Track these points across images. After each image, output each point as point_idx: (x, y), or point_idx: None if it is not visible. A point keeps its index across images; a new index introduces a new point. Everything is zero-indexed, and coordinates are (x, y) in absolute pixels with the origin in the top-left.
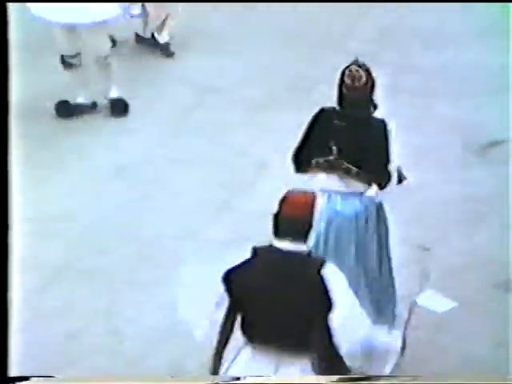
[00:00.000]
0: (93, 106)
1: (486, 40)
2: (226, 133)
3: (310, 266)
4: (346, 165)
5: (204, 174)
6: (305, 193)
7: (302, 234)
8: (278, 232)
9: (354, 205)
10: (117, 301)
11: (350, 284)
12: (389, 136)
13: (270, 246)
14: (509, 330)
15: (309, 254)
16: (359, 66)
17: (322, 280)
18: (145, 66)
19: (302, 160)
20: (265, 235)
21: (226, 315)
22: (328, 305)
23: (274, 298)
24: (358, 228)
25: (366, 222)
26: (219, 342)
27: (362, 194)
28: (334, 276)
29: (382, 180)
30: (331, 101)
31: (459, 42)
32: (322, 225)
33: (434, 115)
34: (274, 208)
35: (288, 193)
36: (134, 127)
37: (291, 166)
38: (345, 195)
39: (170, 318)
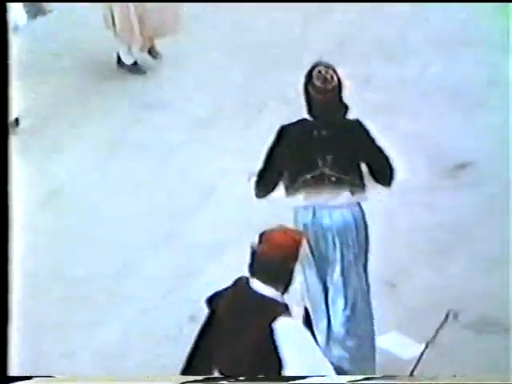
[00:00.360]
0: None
1: (455, 52)
2: (167, 153)
3: (265, 315)
4: (336, 175)
5: (144, 200)
6: (290, 233)
7: (277, 279)
8: (251, 269)
9: (343, 216)
10: (46, 347)
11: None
12: (371, 134)
13: (247, 279)
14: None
15: (280, 302)
16: (327, 67)
17: (271, 334)
18: (79, 80)
19: (268, 183)
20: (212, 271)
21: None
22: (277, 362)
23: (233, 337)
24: (349, 239)
25: (357, 232)
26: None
27: (349, 203)
28: (284, 332)
29: (387, 177)
30: (281, 117)
31: (424, 53)
32: (312, 242)
33: (397, 133)
34: (223, 238)
35: (271, 229)
36: (65, 148)
37: (252, 191)
38: (331, 207)
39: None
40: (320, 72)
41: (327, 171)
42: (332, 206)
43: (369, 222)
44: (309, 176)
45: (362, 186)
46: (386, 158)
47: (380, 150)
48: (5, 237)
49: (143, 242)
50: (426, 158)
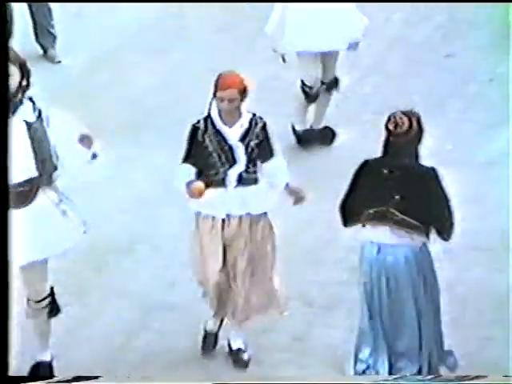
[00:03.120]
0: None
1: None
2: None
3: None
4: (399, 215)
5: None
6: None
7: None
8: None
9: (405, 255)
10: None
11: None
12: (442, 185)
13: None
14: None
15: None
16: (404, 113)
17: None
18: None
19: (352, 211)
20: None
21: None
22: None
23: None
24: (412, 277)
25: (418, 271)
26: None
27: (412, 244)
28: None
29: (445, 230)
30: None
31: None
32: (374, 277)
33: None
34: None
35: None
36: None
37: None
38: (395, 246)
39: None
40: (394, 117)
41: (391, 210)
42: (395, 244)
43: None
44: (372, 211)
45: (427, 233)
46: (451, 212)
47: (448, 203)
48: None
49: None
50: None
